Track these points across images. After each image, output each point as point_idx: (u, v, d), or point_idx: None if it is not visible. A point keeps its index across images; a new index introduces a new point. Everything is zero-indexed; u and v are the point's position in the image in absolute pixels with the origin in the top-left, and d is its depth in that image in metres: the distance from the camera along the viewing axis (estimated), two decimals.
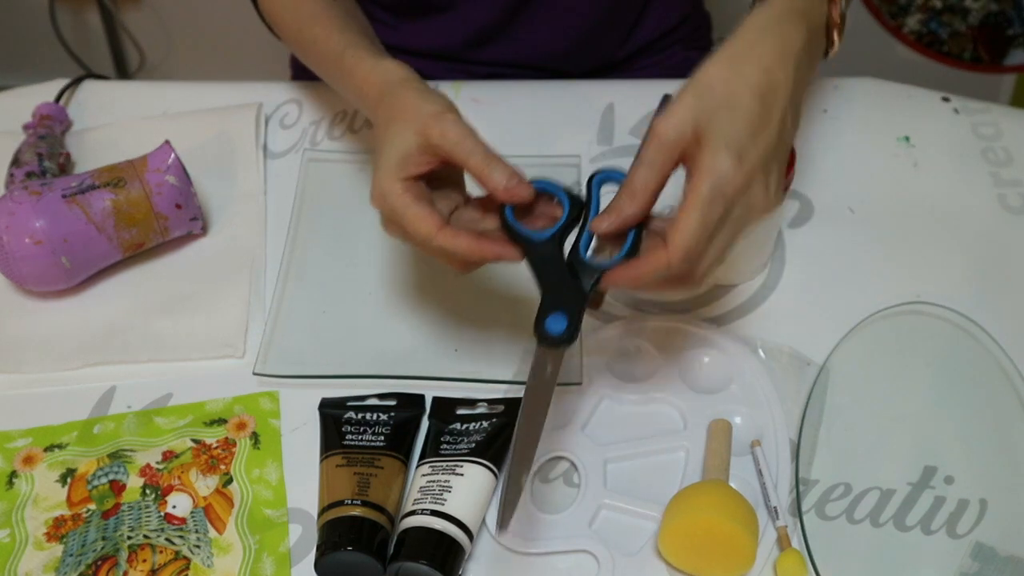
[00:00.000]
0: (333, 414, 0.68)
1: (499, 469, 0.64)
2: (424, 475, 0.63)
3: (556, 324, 0.57)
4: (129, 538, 0.64)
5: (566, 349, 0.58)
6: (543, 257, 0.59)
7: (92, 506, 0.65)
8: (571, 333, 0.57)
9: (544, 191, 0.61)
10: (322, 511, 0.62)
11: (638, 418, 0.69)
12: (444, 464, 0.64)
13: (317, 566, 0.61)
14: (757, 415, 0.68)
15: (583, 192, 0.62)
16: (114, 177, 0.74)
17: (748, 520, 0.59)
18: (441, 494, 0.61)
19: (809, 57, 0.61)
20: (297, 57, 0.87)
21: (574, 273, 0.58)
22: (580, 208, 0.61)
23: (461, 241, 0.59)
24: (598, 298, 0.62)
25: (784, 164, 0.60)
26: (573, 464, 0.66)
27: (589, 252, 0.59)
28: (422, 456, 0.66)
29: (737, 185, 0.55)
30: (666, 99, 0.83)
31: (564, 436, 0.67)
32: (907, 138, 0.87)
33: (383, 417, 0.68)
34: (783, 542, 0.62)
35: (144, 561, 0.63)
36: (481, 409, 0.69)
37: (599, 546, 0.62)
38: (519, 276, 0.77)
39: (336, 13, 0.77)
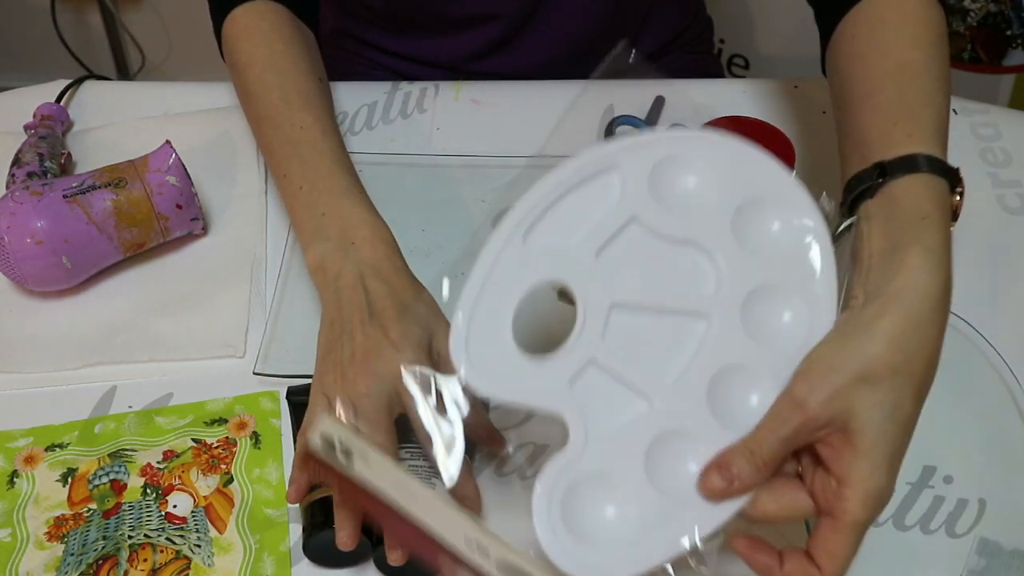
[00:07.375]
0: (303, 401, 0.67)
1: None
2: (404, 459, 0.62)
3: None
4: (130, 537, 0.64)
5: None
6: None
7: (93, 505, 0.66)
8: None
9: None
10: (305, 494, 0.62)
11: (664, 259, 0.55)
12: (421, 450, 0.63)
13: (305, 548, 0.60)
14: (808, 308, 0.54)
15: None
16: (115, 177, 0.75)
17: None
18: (430, 479, 0.61)
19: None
20: (243, 103, 0.78)
21: None
22: None
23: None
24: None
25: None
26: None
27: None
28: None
29: (885, 503, 0.49)
30: (659, 101, 0.81)
31: (575, 257, 0.54)
32: None
33: None
34: None
35: (145, 560, 0.63)
36: None
37: (574, 414, 0.52)
38: None
39: (324, 104, 0.73)
